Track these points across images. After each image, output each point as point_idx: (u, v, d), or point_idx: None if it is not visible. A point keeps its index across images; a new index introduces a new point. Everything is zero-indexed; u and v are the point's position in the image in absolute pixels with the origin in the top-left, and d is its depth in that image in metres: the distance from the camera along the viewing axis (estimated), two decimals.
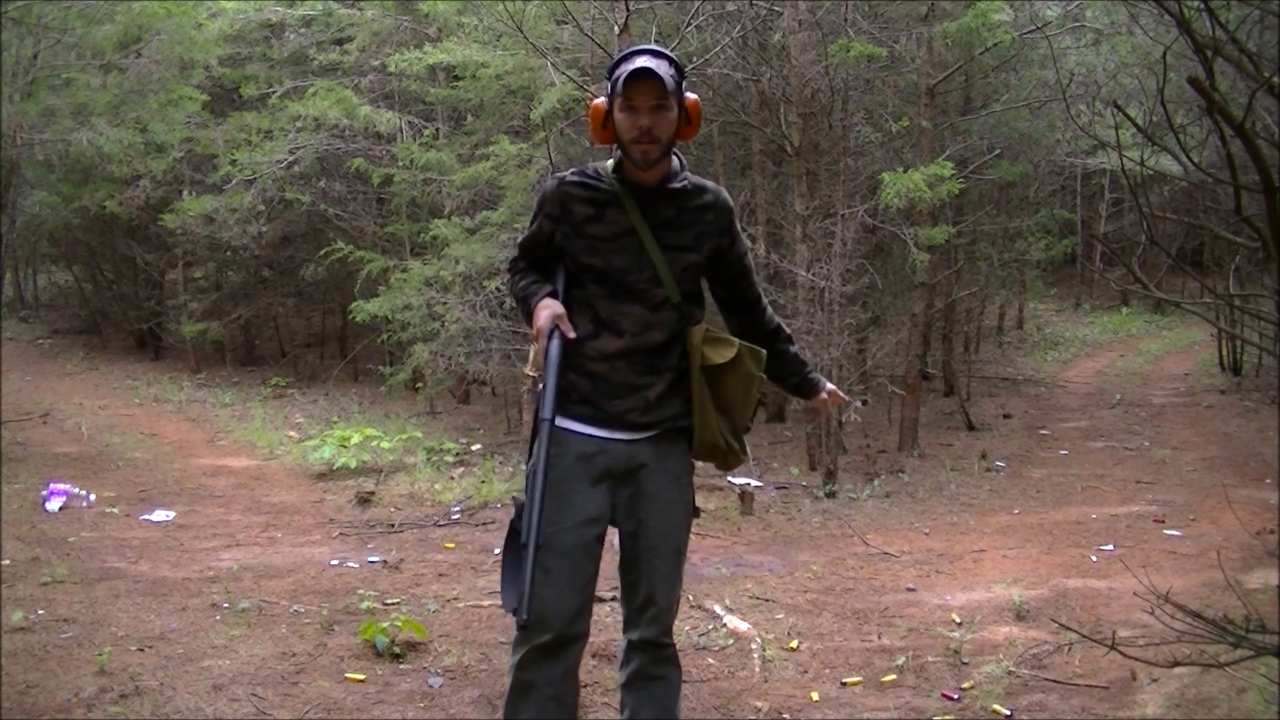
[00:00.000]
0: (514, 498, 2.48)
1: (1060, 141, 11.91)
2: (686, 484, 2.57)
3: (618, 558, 2.57)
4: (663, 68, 2.39)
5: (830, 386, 2.78)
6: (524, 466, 2.58)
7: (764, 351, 2.62)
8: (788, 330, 2.74)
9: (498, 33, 9.01)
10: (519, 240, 2.70)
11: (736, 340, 2.57)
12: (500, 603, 2.46)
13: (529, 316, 2.52)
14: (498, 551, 5.62)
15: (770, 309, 2.72)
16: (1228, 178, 2.32)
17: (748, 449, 3.03)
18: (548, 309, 2.45)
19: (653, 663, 2.56)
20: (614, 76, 2.44)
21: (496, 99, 10.02)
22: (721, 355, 2.52)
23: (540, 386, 2.53)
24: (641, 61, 2.38)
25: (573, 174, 2.53)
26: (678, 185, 2.49)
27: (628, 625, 2.59)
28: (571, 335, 2.44)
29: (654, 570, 2.50)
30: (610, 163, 2.54)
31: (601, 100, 2.48)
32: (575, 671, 2.50)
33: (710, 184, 2.59)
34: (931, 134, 9.53)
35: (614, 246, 2.47)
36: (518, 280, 2.63)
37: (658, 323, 2.49)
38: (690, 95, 2.49)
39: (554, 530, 2.37)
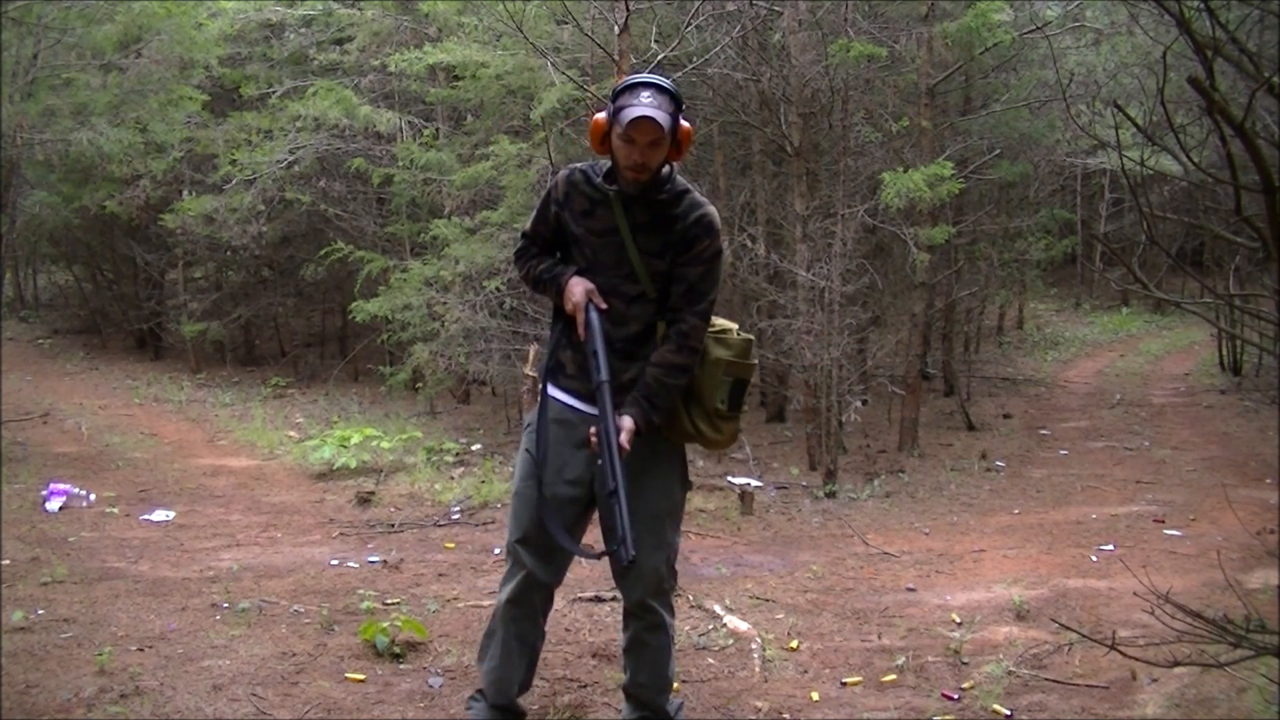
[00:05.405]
0: (527, 450, 2.74)
1: (1060, 141, 11.91)
2: (663, 454, 2.76)
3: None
4: (664, 108, 2.54)
5: (627, 425, 2.57)
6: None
7: (748, 339, 2.78)
8: (674, 362, 2.64)
9: (498, 33, 9.01)
10: (523, 229, 2.88)
11: None
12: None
13: (559, 294, 2.72)
14: (498, 551, 5.62)
15: (685, 343, 2.64)
16: (1228, 178, 2.32)
17: (740, 436, 3.31)
18: (580, 284, 2.68)
19: (646, 628, 2.81)
20: (617, 105, 2.58)
21: (496, 99, 10.01)
22: None
23: (541, 385, 2.79)
24: (646, 102, 2.53)
25: (582, 168, 2.76)
26: (661, 195, 2.66)
27: (620, 593, 2.85)
28: (604, 307, 2.66)
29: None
30: (606, 165, 2.74)
31: (602, 116, 2.64)
32: (537, 616, 2.82)
33: (699, 202, 2.69)
34: (931, 134, 9.53)
35: (600, 243, 2.70)
36: (535, 265, 2.81)
37: (633, 315, 2.70)
38: (684, 124, 2.64)
39: (547, 484, 2.68)
